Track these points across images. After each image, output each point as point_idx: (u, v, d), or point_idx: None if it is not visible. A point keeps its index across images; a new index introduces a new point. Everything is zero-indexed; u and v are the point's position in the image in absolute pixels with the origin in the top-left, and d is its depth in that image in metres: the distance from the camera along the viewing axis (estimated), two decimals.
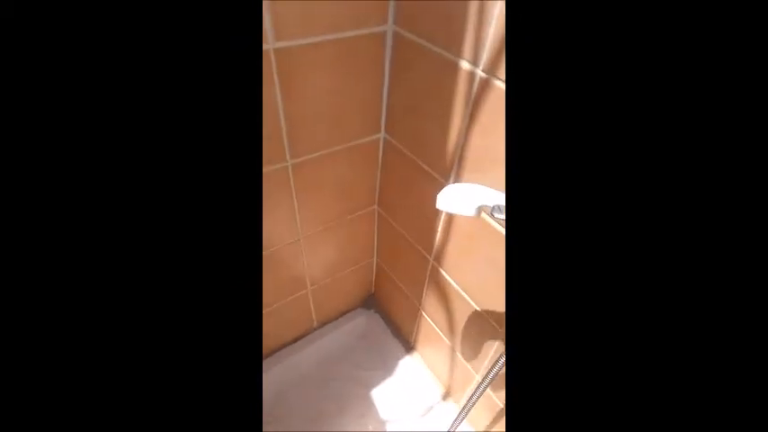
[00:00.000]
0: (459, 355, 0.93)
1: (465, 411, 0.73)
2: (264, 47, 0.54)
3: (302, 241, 0.88)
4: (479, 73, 0.52)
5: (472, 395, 0.68)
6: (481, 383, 0.64)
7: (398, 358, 1.19)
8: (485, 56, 0.50)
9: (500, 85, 0.50)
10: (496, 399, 0.83)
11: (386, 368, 1.21)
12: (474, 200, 0.44)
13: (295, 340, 1.16)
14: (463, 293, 0.79)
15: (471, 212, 0.44)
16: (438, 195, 0.46)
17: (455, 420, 0.78)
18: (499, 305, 0.70)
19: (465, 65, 0.54)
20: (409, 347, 1.18)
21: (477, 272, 0.72)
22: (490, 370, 0.62)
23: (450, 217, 0.73)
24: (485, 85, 0.52)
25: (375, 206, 0.96)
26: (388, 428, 1.10)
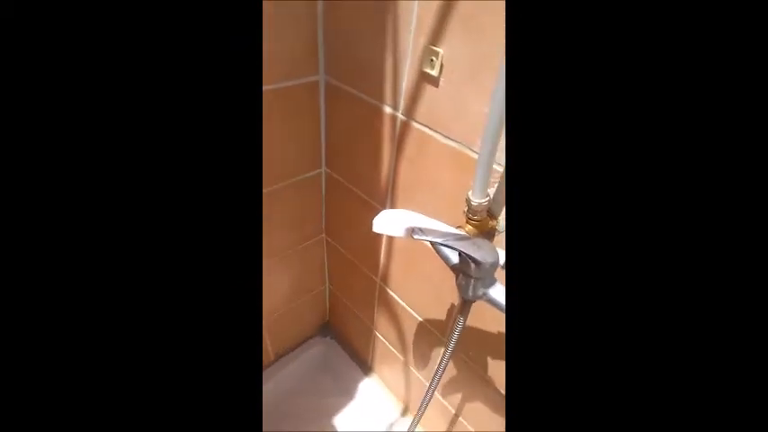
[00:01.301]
0: (412, 368, 0.99)
1: (417, 419, 0.79)
2: None
3: None
4: (400, 116, 0.62)
5: (421, 405, 0.74)
6: (429, 387, 0.71)
7: (357, 381, 1.22)
8: (402, 102, 0.60)
9: (417, 126, 0.60)
10: (448, 405, 0.89)
11: (346, 393, 1.23)
12: (401, 222, 0.52)
13: None
14: (408, 308, 0.86)
15: (401, 233, 0.52)
16: (374, 220, 0.54)
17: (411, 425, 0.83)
18: (438, 314, 0.78)
19: (387, 109, 0.63)
20: (367, 369, 1.22)
21: (416, 287, 0.80)
22: (436, 373, 0.69)
23: (391, 240, 0.81)
24: (405, 125, 0.62)
25: (323, 234, 1.02)
26: None
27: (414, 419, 0.79)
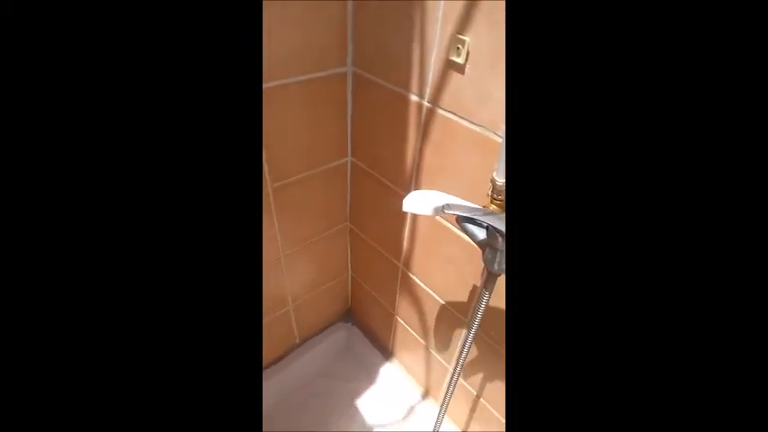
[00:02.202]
0: (432, 351, 1.02)
1: (444, 406, 0.82)
2: None
3: (282, 260, 0.95)
4: (426, 104, 0.65)
5: (447, 388, 0.76)
6: (453, 374, 0.73)
7: (378, 366, 1.26)
8: (428, 90, 0.63)
9: (442, 113, 0.63)
10: (469, 386, 0.92)
11: (367, 378, 1.27)
12: (431, 202, 0.55)
13: (279, 358, 1.21)
14: (430, 291, 0.90)
15: (429, 212, 0.55)
16: (404, 200, 0.57)
17: (438, 418, 0.86)
18: (460, 296, 0.81)
19: (414, 97, 0.66)
20: (388, 354, 1.26)
21: (439, 270, 0.83)
22: (459, 357, 0.72)
23: (414, 224, 0.84)
24: (430, 112, 0.65)
25: (347, 223, 1.06)
26: None
27: (441, 408, 0.82)
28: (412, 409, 1.17)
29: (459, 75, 0.57)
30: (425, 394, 1.18)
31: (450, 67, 0.57)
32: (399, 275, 0.98)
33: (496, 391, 0.85)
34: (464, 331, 0.86)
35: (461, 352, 0.72)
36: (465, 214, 0.52)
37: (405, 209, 0.57)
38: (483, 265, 0.61)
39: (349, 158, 0.91)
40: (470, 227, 0.53)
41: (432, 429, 0.87)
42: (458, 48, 0.54)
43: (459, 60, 0.55)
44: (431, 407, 1.15)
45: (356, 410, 1.21)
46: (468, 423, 1.02)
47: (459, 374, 0.75)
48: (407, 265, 0.93)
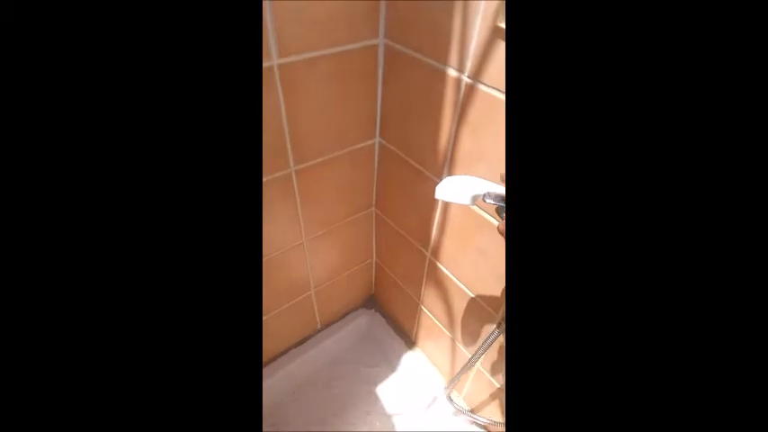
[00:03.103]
0: (459, 344, 0.98)
1: (453, 381, 0.79)
2: (268, 63, 0.59)
3: (305, 244, 0.92)
4: (465, 79, 0.58)
5: (463, 368, 0.73)
6: (472, 357, 0.70)
7: (401, 354, 1.23)
8: (469, 63, 0.56)
9: (484, 89, 0.56)
10: (494, 381, 0.88)
11: (389, 365, 1.25)
12: (469, 189, 0.49)
13: (300, 342, 1.20)
14: (459, 283, 0.84)
15: (467, 201, 0.50)
16: (437, 186, 0.51)
17: (447, 392, 0.84)
18: (492, 290, 0.76)
19: (452, 72, 0.60)
20: (411, 343, 1.23)
21: (470, 261, 0.78)
22: (482, 345, 0.68)
23: (445, 212, 0.78)
24: (470, 89, 0.58)
25: (373, 208, 1.01)
26: (394, 422, 1.14)
27: (456, 374, 0.80)
28: (435, 399, 1.14)
29: None
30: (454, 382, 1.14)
31: (497, 35, 0.50)
32: (426, 264, 0.93)
33: None
34: (494, 327, 0.81)
35: (485, 341, 0.68)
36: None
37: (438, 196, 0.51)
38: None
39: (377, 139, 0.85)
40: None
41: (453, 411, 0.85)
42: None
43: None
44: (454, 398, 1.12)
45: (376, 398, 1.19)
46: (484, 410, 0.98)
47: (476, 361, 0.72)
48: (436, 254, 0.88)
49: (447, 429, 1.07)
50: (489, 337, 0.69)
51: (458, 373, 0.82)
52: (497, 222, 0.65)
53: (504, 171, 0.47)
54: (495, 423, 0.89)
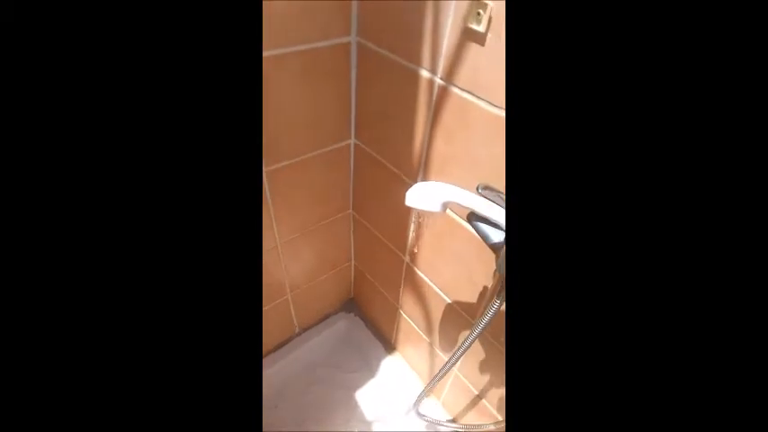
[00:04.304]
0: (437, 349, 0.97)
1: (431, 385, 0.78)
2: None
3: (280, 247, 0.90)
4: (438, 81, 0.56)
5: (440, 371, 0.72)
6: (448, 362, 0.68)
7: (380, 359, 1.21)
8: (441, 64, 0.54)
9: (457, 92, 0.54)
10: (471, 386, 0.87)
11: (368, 369, 1.23)
12: (439, 196, 0.48)
13: (278, 347, 1.17)
14: (436, 289, 0.83)
15: (437, 208, 0.48)
16: (407, 193, 0.49)
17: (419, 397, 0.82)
18: (468, 296, 0.74)
19: (425, 73, 0.58)
20: (390, 347, 1.21)
21: (447, 267, 0.76)
22: (458, 348, 0.66)
23: (420, 217, 0.77)
24: (443, 92, 0.56)
25: (350, 210, 0.99)
26: (373, 428, 1.12)
27: (424, 387, 0.78)
28: (413, 402, 1.13)
29: (479, 46, 0.48)
30: (428, 391, 1.13)
31: (468, 37, 0.49)
32: (404, 269, 0.91)
33: (500, 395, 0.79)
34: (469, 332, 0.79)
35: (460, 347, 0.66)
36: (479, 213, 0.45)
37: (408, 203, 0.49)
38: (495, 267, 0.54)
39: (352, 140, 0.83)
40: (484, 227, 0.46)
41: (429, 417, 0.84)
42: (478, 13, 0.45)
43: (480, 29, 0.46)
44: (433, 403, 1.11)
45: (356, 403, 1.17)
46: (464, 417, 0.97)
47: (452, 366, 0.70)
48: (413, 258, 0.86)
49: None
50: (464, 342, 0.68)
51: (425, 388, 0.80)
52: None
53: (479, 182, 0.46)
54: (472, 426, 0.88)
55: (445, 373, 0.70)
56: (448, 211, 0.69)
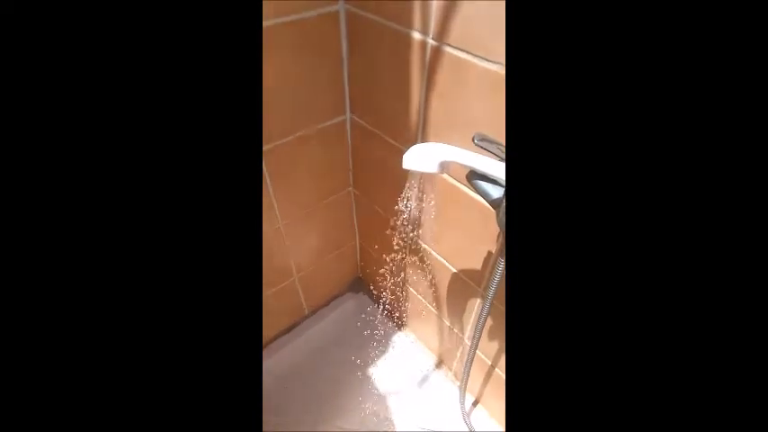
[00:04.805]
0: (445, 321, 0.97)
1: (464, 383, 0.78)
2: None
3: (283, 229, 0.89)
4: (430, 41, 0.55)
5: (465, 368, 0.72)
6: (470, 349, 0.68)
7: (390, 335, 1.22)
8: (432, 24, 0.53)
9: (450, 51, 0.53)
10: (483, 356, 0.87)
11: (379, 347, 1.24)
12: (437, 156, 0.47)
13: (288, 329, 1.18)
14: (442, 259, 0.83)
15: (434, 169, 0.47)
16: (404, 155, 0.49)
17: (460, 396, 0.82)
18: (473, 264, 0.74)
19: (416, 35, 0.56)
20: (399, 323, 1.22)
21: (450, 236, 0.76)
22: (475, 326, 0.66)
23: (422, 187, 0.76)
24: (436, 52, 0.55)
25: (351, 188, 0.98)
26: (388, 403, 1.13)
27: (461, 384, 0.78)
28: (425, 378, 1.14)
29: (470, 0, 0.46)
30: (439, 363, 1.14)
31: None
32: (408, 243, 0.91)
33: None
34: (478, 301, 0.79)
35: (476, 326, 0.66)
36: (478, 169, 0.44)
37: (405, 166, 0.48)
38: (498, 228, 0.53)
39: (348, 115, 0.82)
40: (483, 184, 0.45)
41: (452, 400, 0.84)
42: None
43: None
44: (445, 376, 1.12)
45: (368, 380, 1.18)
46: (481, 392, 0.98)
47: (475, 350, 0.70)
48: (416, 231, 0.85)
49: (441, 406, 1.07)
50: (480, 313, 0.68)
51: (466, 369, 0.76)
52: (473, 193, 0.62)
53: (476, 133, 0.45)
54: None
55: (471, 363, 0.70)
56: (447, 177, 0.68)
